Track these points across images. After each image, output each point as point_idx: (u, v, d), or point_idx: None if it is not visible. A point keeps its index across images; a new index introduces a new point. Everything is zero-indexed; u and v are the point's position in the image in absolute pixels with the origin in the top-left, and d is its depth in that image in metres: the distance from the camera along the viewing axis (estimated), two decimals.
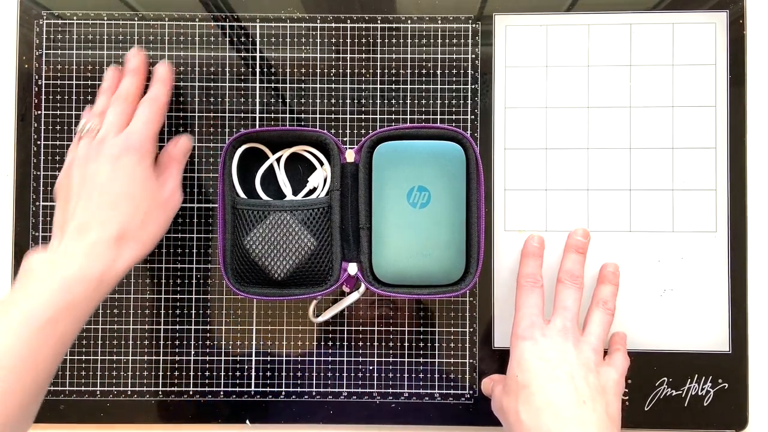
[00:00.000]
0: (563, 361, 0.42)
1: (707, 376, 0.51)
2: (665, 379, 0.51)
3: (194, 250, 0.52)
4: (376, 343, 0.52)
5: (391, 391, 0.52)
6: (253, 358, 0.52)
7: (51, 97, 0.52)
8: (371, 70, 0.52)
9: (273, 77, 0.52)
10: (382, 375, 0.52)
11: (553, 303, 0.47)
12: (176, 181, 0.48)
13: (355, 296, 0.50)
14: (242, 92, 0.52)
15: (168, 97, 0.49)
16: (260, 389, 0.52)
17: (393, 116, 0.52)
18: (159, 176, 0.47)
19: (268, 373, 0.52)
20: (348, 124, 0.52)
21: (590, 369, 0.42)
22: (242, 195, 0.49)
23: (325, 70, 0.52)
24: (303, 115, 0.52)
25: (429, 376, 0.52)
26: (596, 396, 0.40)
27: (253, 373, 0.52)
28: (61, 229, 0.43)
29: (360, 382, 0.52)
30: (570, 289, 0.47)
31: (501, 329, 0.52)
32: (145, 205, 0.44)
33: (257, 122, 0.52)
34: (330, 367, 0.52)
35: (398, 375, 0.52)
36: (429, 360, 0.52)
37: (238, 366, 0.52)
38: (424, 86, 0.52)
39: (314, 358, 0.52)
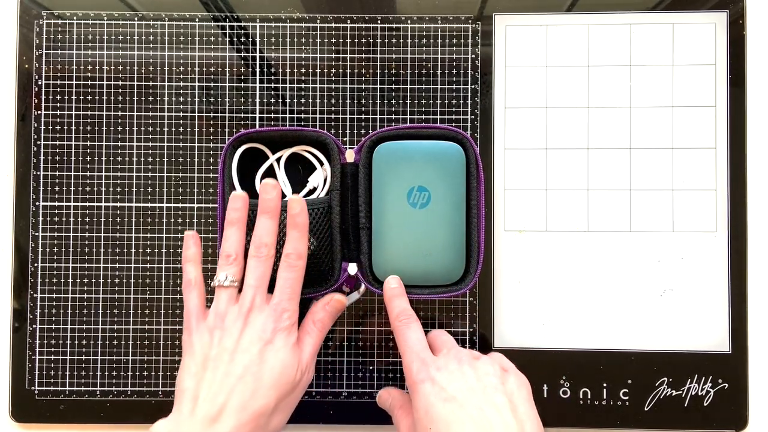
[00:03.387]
0: (469, 394, 0.40)
1: (707, 376, 0.51)
2: (665, 379, 0.51)
3: None
4: (375, 343, 0.52)
5: None
6: None
7: (51, 97, 0.52)
8: (371, 70, 0.52)
9: (273, 77, 0.52)
10: (382, 375, 0.52)
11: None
12: (312, 355, 0.45)
13: (355, 296, 0.50)
14: (242, 92, 0.52)
15: (307, 251, 0.46)
16: None
17: (393, 116, 0.52)
18: (297, 344, 0.44)
19: None
20: (348, 124, 0.52)
21: (494, 388, 0.41)
22: None
23: (325, 70, 0.52)
24: (303, 115, 0.52)
25: None
26: (510, 421, 0.39)
27: None
28: (192, 400, 0.41)
29: (360, 382, 0.52)
30: (414, 324, 0.45)
31: (501, 329, 0.52)
32: (282, 392, 0.42)
33: (257, 122, 0.52)
34: (330, 367, 0.52)
35: (398, 375, 0.52)
36: None
37: None
38: (424, 86, 0.52)
39: None
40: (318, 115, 0.52)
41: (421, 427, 0.41)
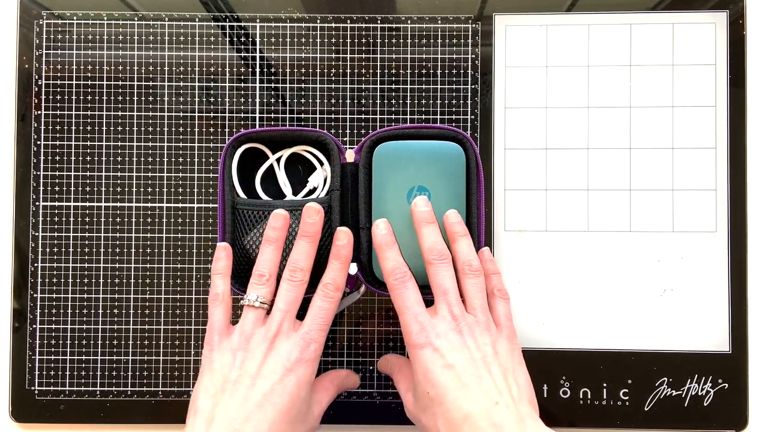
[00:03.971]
0: (467, 363, 0.41)
1: (707, 376, 0.51)
2: (665, 379, 0.51)
3: (194, 250, 0.52)
4: (376, 343, 0.52)
5: (391, 391, 0.52)
6: None
7: (51, 97, 0.52)
8: (371, 70, 0.52)
9: (273, 77, 0.52)
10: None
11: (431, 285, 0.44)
12: (322, 410, 0.46)
13: (355, 296, 0.50)
14: (242, 92, 0.52)
15: (344, 285, 0.46)
16: None
17: (393, 116, 0.52)
18: (312, 395, 0.45)
19: None
20: (348, 124, 0.52)
21: (491, 357, 0.42)
22: (242, 195, 0.49)
23: (325, 70, 0.52)
24: (303, 115, 0.52)
25: None
26: (503, 388, 0.40)
27: None
28: (206, 423, 0.40)
29: (360, 382, 0.52)
30: (442, 267, 0.44)
31: None
32: (292, 429, 0.42)
33: (257, 122, 0.52)
34: (330, 367, 0.52)
35: None
36: None
37: None
38: (424, 86, 0.52)
39: None
40: (318, 115, 0.52)
41: (420, 389, 0.42)
